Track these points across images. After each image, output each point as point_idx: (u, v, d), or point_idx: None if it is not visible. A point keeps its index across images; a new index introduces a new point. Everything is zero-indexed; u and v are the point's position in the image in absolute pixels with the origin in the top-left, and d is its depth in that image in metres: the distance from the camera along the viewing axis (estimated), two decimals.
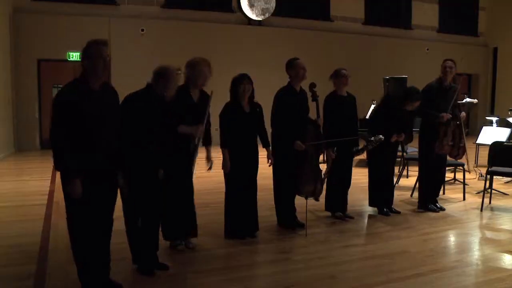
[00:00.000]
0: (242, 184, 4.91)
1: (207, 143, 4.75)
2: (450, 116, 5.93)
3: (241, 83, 4.85)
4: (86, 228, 3.41)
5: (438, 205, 6.28)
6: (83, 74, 3.38)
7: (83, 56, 3.37)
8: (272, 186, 5.46)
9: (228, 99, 4.96)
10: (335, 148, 5.44)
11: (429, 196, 6.27)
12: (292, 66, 5.29)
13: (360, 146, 5.75)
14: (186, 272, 4.12)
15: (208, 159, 4.73)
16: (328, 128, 5.50)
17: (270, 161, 5.13)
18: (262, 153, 5.11)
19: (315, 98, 5.37)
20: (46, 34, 11.96)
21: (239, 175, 4.85)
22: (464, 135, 6.18)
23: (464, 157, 6.46)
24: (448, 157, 6.38)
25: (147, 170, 3.90)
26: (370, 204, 6.13)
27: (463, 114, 6.25)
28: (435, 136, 6.00)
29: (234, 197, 4.91)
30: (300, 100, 5.33)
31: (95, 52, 3.34)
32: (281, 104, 5.22)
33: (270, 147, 5.16)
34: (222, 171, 4.88)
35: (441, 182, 6.58)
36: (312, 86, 5.39)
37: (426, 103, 5.96)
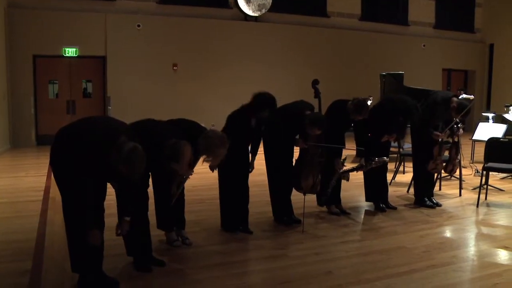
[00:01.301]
0: (235, 180, 4.97)
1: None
2: (445, 136, 6.07)
3: (266, 110, 4.82)
4: (82, 222, 3.40)
5: (435, 201, 6.29)
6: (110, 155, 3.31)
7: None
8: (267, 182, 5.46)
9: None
10: (345, 159, 5.45)
11: (424, 191, 6.29)
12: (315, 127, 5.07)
13: (364, 163, 5.66)
14: (183, 268, 4.12)
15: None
16: (330, 133, 5.45)
17: (251, 169, 5.13)
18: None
19: (317, 95, 5.36)
20: (42, 29, 11.90)
21: (232, 173, 4.91)
22: (460, 151, 6.30)
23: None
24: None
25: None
26: (367, 199, 6.14)
27: (461, 131, 6.31)
28: (428, 135, 6.05)
29: (228, 191, 4.98)
30: None
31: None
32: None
33: (256, 156, 5.16)
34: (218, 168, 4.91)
35: (434, 176, 6.60)
36: (315, 83, 5.39)
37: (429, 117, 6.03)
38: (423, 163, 6.19)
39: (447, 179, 7.87)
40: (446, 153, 6.49)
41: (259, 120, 4.96)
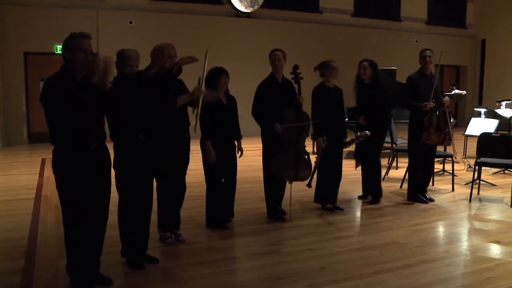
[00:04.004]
0: (222, 175, 4.99)
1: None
2: (433, 104, 5.91)
3: (221, 76, 4.90)
4: (81, 223, 3.40)
5: (428, 196, 6.30)
6: (64, 66, 3.36)
7: (63, 47, 3.34)
8: (262, 179, 5.45)
9: None
10: (325, 137, 5.45)
11: (418, 187, 6.30)
12: (269, 57, 5.37)
13: (348, 139, 5.78)
14: (176, 265, 4.11)
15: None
16: (315, 119, 5.51)
17: (240, 152, 5.19)
18: (250, 145, 5.10)
19: (297, 80, 5.37)
20: (33, 26, 11.81)
21: (219, 167, 4.91)
22: (449, 120, 6.10)
23: (451, 146, 6.47)
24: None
25: (138, 162, 3.91)
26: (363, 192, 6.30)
27: (446, 98, 6.16)
28: (422, 127, 6.02)
29: (216, 188, 4.98)
30: (284, 90, 5.33)
31: (77, 44, 3.31)
32: (262, 95, 5.26)
33: (241, 139, 5.22)
34: (203, 164, 4.96)
35: (430, 173, 6.58)
36: (295, 68, 5.43)
37: (410, 94, 6.04)
38: (419, 157, 6.17)
39: (440, 174, 7.90)
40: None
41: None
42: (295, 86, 5.40)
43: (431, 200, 6.28)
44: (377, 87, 5.98)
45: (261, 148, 5.39)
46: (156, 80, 3.91)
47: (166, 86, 4.14)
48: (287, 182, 5.38)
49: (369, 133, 5.61)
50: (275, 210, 5.44)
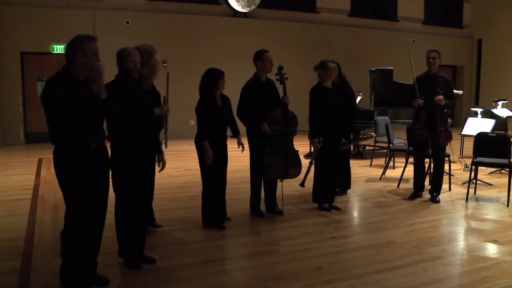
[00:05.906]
0: (217, 175, 5.00)
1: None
2: (421, 102, 5.98)
3: (220, 78, 4.90)
4: (83, 222, 3.40)
5: (437, 198, 6.26)
6: (68, 67, 3.35)
7: (76, 50, 3.32)
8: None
9: None
10: (321, 138, 5.47)
11: (434, 189, 6.33)
12: (260, 58, 5.35)
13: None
14: (173, 265, 4.10)
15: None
16: (314, 119, 5.53)
17: (241, 146, 5.22)
18: (245, 146, 5.13)
19: (282, 81, 5.42)
20: (29, 26, 11.76)
21: (214, 167, 4.92)
22: (438, 120, 5.94)
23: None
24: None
25: (136, 162, 3.91)
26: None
27: (438, 97, 5.92)
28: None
29: (211, 188, 4.99)
30: (268, 90, 5.38)
31: (91, 48, 3.34)
32: (247, 96, 5.30)
33: (240, 134, 5.25)
34: (199, 164, 4.96)
35: (438, 174, 6.35)
36: (280, 69, 5.49)
37: (412, 93, 6.15)
38: (419, 156, 6.31)
39: None
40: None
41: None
42: (281, 86, 5.44)
43: (437, 201, 6.24)
44: (341, 86, 6.04)
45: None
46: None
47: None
48: (279, 181, 5.43)
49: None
50: (257, 207, 5.50)
